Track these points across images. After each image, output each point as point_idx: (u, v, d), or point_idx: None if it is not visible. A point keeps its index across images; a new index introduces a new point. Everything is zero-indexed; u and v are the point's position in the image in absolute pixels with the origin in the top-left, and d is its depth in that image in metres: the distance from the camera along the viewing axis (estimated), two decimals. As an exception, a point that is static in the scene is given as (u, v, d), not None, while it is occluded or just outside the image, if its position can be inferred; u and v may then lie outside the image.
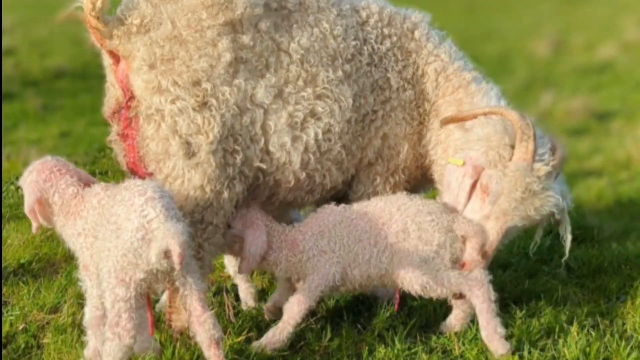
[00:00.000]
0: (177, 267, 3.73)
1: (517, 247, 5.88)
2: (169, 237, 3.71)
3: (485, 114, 4.51)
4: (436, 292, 4.39)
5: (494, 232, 4.38)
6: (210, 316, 3.87)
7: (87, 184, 4.18)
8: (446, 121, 4.60)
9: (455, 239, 4.42)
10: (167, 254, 3.73)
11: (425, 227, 4.39)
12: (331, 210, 4.50)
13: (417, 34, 4.79)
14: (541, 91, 12.57)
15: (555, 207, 4.38)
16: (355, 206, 4.53)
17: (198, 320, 3.86)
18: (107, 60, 4.32)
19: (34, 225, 4.18)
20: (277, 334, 4.34)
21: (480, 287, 4.37)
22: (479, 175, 4.45)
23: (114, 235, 3.81)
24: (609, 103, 12.48)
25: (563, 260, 4.70)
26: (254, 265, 4.43)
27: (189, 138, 4.16)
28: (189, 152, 4.17)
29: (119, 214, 3.84)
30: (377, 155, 4.73)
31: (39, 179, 4.16)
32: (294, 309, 4.35)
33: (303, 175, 4.49)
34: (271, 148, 4.35)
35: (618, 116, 11.84)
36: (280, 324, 4.37)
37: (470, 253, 4.40)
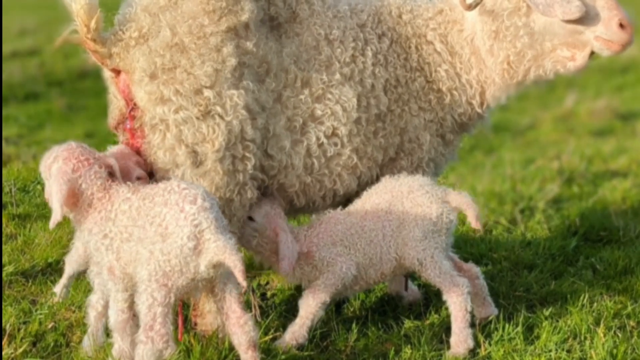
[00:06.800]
0: (243, 284, 3.72)
1: (542, 248, 5.87)
2: (225, 254, 3.70)
3: None
4: (427, 272, 4.41)
5: None
6: (249, 318, 3.87)
7: (112, 176, 4.06)
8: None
9: (451, 211, 4.46)
10: (215, 265, 3.75)
11: (420, 201, 4.42)
12: (337, 219, 4.50)
13: (405, 17, 4.72)
14: (565, 92, 12.50)
15: None
16: (353, 209, 4.53)
17: (238, 323, 3.85)
18: (107, 72, 4.31)
19: (56, 219, 3.94)
20: (297, 329, 4.38)
21: (460, 295, 4.39)
22: None
23: (159, 237, 3.77)
24: (633, 103, 12.39)
25: None
26: (294, 263, 4.39)
27: (195, 147, 4.16)
28: (196, 161, 4.17)
29: (164, 216, 3.79)
30: (399, 149, 4.69)
31: (67, 168, 4.00)
32: (310, 303, 4.39)
33: (309, 180, 4.48)
34: (270, 151, 4.35)
35: (642, 116, 11.76)
36: (298, 320, 4.41)
37: (474, 222, 4.43)
